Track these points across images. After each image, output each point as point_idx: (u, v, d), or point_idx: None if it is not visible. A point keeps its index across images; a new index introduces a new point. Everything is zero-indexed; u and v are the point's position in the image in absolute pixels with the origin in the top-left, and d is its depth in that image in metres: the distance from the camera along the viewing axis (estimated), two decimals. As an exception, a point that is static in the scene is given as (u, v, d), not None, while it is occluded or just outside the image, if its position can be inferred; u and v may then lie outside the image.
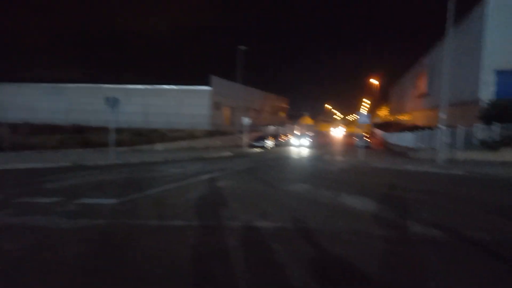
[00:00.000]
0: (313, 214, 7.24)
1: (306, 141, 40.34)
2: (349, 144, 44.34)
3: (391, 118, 77.68)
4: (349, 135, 73.29)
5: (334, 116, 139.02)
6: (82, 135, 24.11)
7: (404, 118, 60.45)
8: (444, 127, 17.72)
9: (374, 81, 72.77)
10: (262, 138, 38.33)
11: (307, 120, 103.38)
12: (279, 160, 20.90)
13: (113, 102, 16.39)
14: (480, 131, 19.32)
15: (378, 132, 60.90)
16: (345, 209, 7.78)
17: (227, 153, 25.22)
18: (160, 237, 5.64)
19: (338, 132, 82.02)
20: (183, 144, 29.48)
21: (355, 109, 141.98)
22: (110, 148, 17.16)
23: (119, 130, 31.92)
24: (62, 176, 11.74)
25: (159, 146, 26.42)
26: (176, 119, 42.54)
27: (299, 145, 39.35)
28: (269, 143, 37.33)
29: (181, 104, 44.28)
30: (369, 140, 44.57)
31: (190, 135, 32.65)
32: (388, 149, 38.13)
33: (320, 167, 17.16)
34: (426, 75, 41.17)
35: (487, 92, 24.46)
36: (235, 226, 6.25)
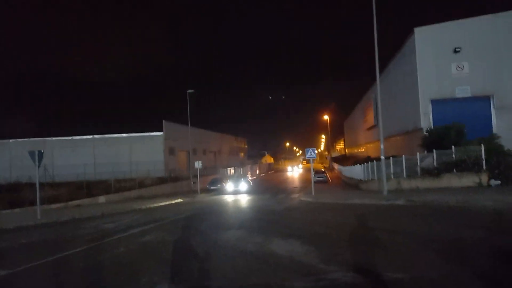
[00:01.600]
0: (231, 267, 6.50)
1: (244, 185, 32.77)
2: (307, 181, 44.19)
3: (348, 152, 79.71)
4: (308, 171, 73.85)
5: (296, 154, 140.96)
6: (13, 194, 22.18)
7: (359, 150, 62.04)
8: (383, 158, 17.84)
9: (326, 117, 75.00)
10: (218, 180, 37.48)
11: (268, 159, 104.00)
12: (226, 205, 20.08)
13: (37, 156, 15.13)
14: (421, 159, 19.68)
15: (336, 166, 61.93)
16: (269, 257, 7.11)
17: (176, 200, 24.11)
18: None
19: (296, 169, 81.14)
20: (132, 194, 28.04)
21: (314, 145, 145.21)
22: (38, 206, 15.65)
23: (58, 185, 30.12)
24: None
25: (102, 199, 24.84)
26: (128, 168, 40.95)
27: (235, 191, 31.52)
28: (226, 185, 36.54)
29: (134, 151, 42.87)
30: (326, 175, 44.94)
31: (140, 184, 31.23)
32: (344, 182, 38.41)
33: (267, 208, 16.53)
34: (373, 108, 42.78)
35: (426, 121, 25.43)
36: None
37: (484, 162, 16.39)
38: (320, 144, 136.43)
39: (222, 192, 32.90)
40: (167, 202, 23.27)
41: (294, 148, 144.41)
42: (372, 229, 9.45)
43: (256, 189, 33.67)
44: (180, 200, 24.58)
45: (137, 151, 42.76)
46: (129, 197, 27.28)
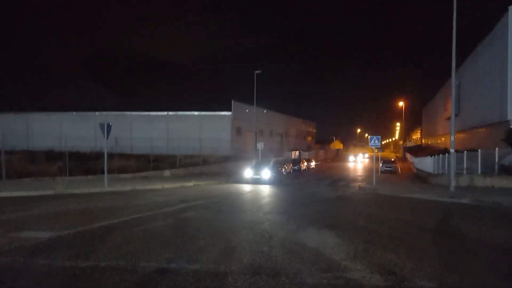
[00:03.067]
0: (251, 253, 6.39)
1: (266, 174, 24.64)
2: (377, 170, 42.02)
3: (424, 142, 74.30)
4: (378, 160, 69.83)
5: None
6: (94, 162, 24.55)
7: (436, 141, 57.49)
8: (453, 151, 16.20)
9: (402, 104, 70.25)
10: (277, 164, 37.47)
11: (337, 145, 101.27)
12: (278, 190, 19.99)
13: (106, 129, 16.39)
14: (501, 155, 17.52)
15: (408, 156, 58.12)
16: (294, 246, 6.85)
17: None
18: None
19: (360, 158, 72.91)
20: (195, 170, 29.25)
21: (389, 133, 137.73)
22: (105, 175, 17.06)
23: (131, 156, 32.49)
24: (30, 206, 11.52)
25: (167, 173, 26.28)
26: (197, 144, 42.80)
27: (253, 180, 24.22)
28: (285, 169, 36.42)
29: (203, 129, 44.53)
30: (395, 165, 42.45)
31: (204, 161, 32.44)
32: (413, 174, 35.95)
33: (319, 196, 16.07)
34: (454, 96, 38.95)
35: (513, 113, 22.56)
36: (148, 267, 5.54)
37: None
38: (395, 132, 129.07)
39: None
40: (224, 181, 23.93)
41: (366, 135, 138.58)
42: (420, 228, 8.63)
43: (306, 179, 30.28)
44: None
45: (206, 129, 44.31)
46: (192, 173, 28.52)
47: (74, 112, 47.65)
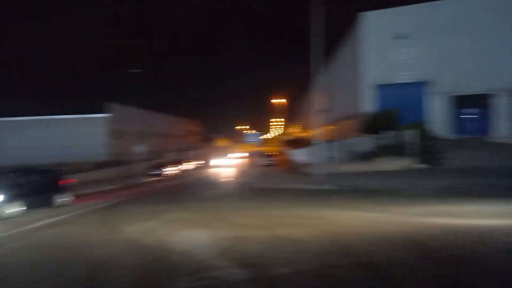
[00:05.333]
0: (123, 264, 5.88)
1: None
2: (254, 164, 43.96)
3: (300, 135, 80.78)
4: (257, 155, 71.65)
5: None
6: None
7: (310, 134, 62.90)
8: (319, 141, 17.86)
9: (282, 100, 75.17)
10: (159, 166, 36.41)
11: (223, 142, 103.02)
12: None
13: None
14: (358, 143, 19.93)
15: (287, 149, 62.33)
16: (163, 252, 6.57)
17: (110, 187, 23.03)
18: None
19: (239, 154, 71.90)
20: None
21: (271, 127, 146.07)
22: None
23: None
24: None
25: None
26: (69, 152, 38.67)
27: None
28: (168, 170, 35.62)
29: (76, 134, 40.44)
30: (274, 158, 44.99)
31: (77, 169, 29.41)
32: (290, 165, 38.63)
33: (200, 194, 15.99)
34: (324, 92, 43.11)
35: (369, 106, 25.84)
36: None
37: (413, 146, 16.80)
38: (276, 127, 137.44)
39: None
40: (102, 188, 22.16)
41: (249, 131, 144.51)
42: (287, 217, 9.19)
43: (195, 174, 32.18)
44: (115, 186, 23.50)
45: (80, 133, 40.42)
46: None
47: None
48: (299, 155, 33.70)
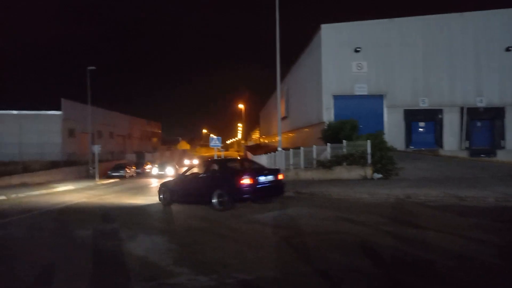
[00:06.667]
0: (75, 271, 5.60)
1: None
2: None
3: (262, 141, 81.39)
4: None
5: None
6: None
7: (271, 140, 63.54)
8: (280, 149, 18.09)
9: (241, 106, 75.49)
10: (121, 167, 35.25)
11: (184, 145, 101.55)
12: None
13: None
14: (318, 152, 20.37)
15: (249, 155, 62.66)
16: (123, 257, 6.35)
17: (64, 188, 21.85)
18: None
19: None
20: (13, 181, 24.75)
21: (232, 133, 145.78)
22: None
23: None
24: None
25: (-30, 185, 21.45)
26: (17, 150, 36.47)
27: None
28: (128, 172, 34.52)
29: (25, 131, 38.26)
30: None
31: (26, 168, 27.78)
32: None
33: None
34: (284, 100, 43.85)
35: (327, 115, 26.58)
36: None
37: (369, 156, 17.45)
38: (237, 132, 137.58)
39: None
40: (53, 190, 20.95)
41: (212, 135, 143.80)
42: (250, 221, 9.21)
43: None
44: (70, 187, 22.35)
45: (30, 131, 38.31)
46: (8, 184, 24.02)
47: None
48: (260, 161, 34.01)
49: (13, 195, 17.87)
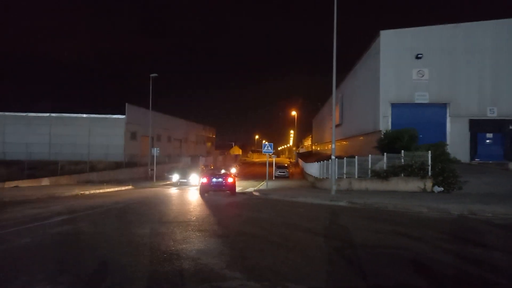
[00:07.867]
0: (126, 267, 5.97)
1: None
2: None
3: (314, 148, 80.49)
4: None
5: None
6: None
7: (324, 148, 62.60)
8: (334, 157, 17.77)
9: (294, 112, 75.29)
10: (176, 170, 36.62)
11: (236, 150, 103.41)
12: (169, 196, 19.48)
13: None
14: (373, 161, 19.76)
15: (300, 161, 62.25)
16: (175, 257, 6.63)
17: (124, 188, 23.21)
18: None
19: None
20: (81, 178, 26.80)
21: (284, 140, 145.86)
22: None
23: (6, 163, 28.46)
24: None
25: (46, 181, 23.55)
26: (86, 150, 39.38)
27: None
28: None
29: (93, 133, 41.26)
30: (288, 170, 45.02)
31: (92, 167, 29.95)
32: (303, 179, 38.59)
33: (211, 203, 16.05)
34: (338, 107, 43.08)
35: (384, 124, 25.68)
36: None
37: (429, 168, 16.57)
38: (290, 139, 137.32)
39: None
40: (115, 189, 22.36)
41: (264, 141, 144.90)
42: (304, 230, 9.15)
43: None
44: (130, 187, 23.70)
45: (97, 133, 41.24)
46: (78, 181, 26.04)
47: None
48: (312, 169, 33.66)
49: (80, 192, 19.35)
